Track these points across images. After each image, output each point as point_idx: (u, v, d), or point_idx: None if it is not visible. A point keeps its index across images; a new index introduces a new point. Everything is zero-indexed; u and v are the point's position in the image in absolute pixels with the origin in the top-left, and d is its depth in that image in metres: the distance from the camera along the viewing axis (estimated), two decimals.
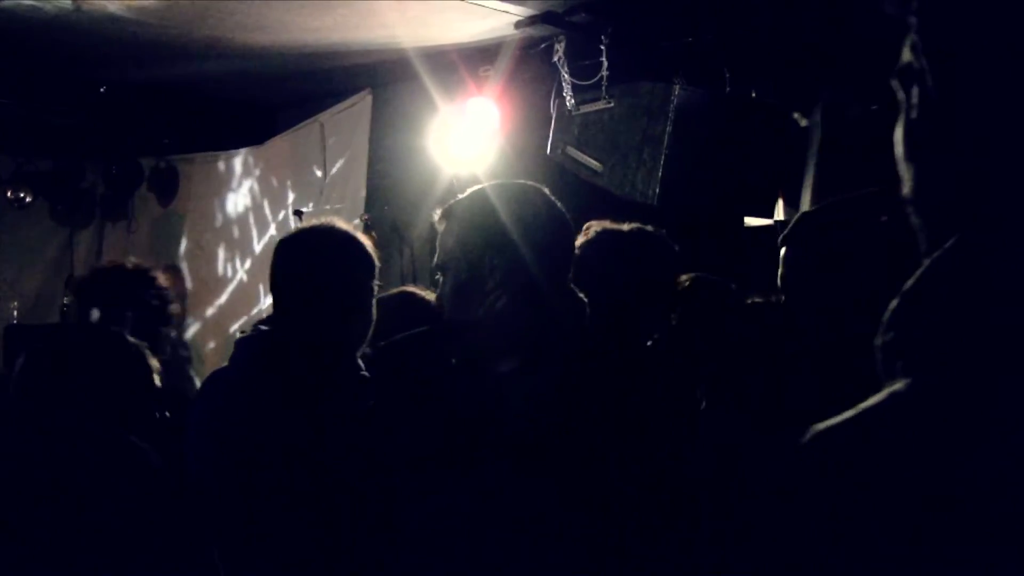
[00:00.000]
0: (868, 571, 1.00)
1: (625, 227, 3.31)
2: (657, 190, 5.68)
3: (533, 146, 6.61)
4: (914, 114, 1.14)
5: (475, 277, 2.43)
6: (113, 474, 1.68)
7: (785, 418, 2.23)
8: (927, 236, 1.14)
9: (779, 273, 2.56)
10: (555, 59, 6.32)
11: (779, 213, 6.69)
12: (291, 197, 8.52)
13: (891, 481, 0.99)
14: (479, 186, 2.57)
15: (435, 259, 2.56)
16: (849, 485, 1.04)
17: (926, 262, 1.11)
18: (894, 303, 1.13)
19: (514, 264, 2.40)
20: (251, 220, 8.72)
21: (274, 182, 8.69)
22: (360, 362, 2.87)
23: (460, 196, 2.57)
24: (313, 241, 2.95)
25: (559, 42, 6.31)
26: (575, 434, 2.20)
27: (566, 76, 6.25)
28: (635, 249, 3.22)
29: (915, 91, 1.13)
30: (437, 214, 2.58)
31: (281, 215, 8.48)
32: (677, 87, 5.76)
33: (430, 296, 3.60)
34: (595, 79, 6.11)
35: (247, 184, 8.88)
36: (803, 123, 6.29)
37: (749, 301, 3.37)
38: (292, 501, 2.64)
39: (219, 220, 9.00)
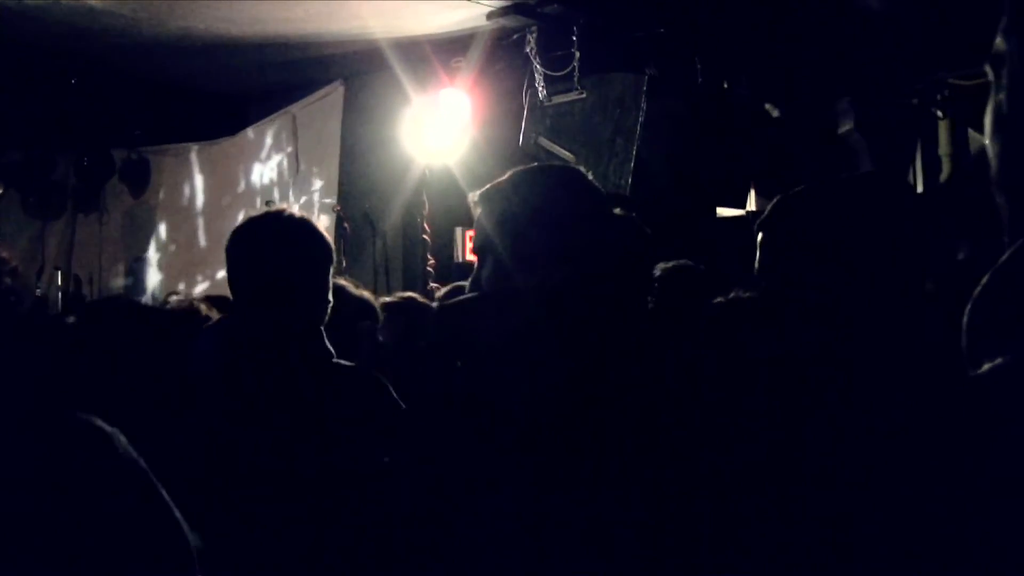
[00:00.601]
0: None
1: None
2: (629, 180, 5.70)
3: (505, 137, 6.62)
4: (1001, 95, 1.15)
5: (517, 257, 2.41)
6: (55, 460, 1.65)
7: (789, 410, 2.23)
8: (1010, 215, 1.15)
9: (756, 258, 2.54)
10: (527, 50, 6.33)
11: (751, 204, 6.73)
12: (261, 186, 8.53)
13: (1003, 451, 1.00)
14: (516, 169, 2.54)
15: (472, 243, 2.55)
16: (967, 454, 1.04)
17: (1017, 243, 1.11)
18: (984, 281, 1.13)
19: (558, 243, 2.39)
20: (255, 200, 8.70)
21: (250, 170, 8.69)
22: (329, 345, 2.85)
23: (497, 180, 2.53)
24: (268, 228, 2.92)
25: (531, 33, 6.32)
26: (598, 415, 2.22)
27: (538, 67, 6.26)
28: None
29: (1004, 72, 1.15)
30: (473, 199, 2.54)
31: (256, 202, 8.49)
32: (648, 78, 5.78)
33: (361, 291, 3.62)
34: (567, 70, 6.12)
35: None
36: (775, 114, 6.33)
37: (733, 295, 3.37)
38: (270, 492, 2.63)
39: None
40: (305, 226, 2.91)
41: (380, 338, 3.61)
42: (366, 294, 3.64)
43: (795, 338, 2.35)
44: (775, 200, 2.47)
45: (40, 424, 1.70)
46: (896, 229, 2.31)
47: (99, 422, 1.72)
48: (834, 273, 2.25)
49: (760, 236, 2.47)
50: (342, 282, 3.51)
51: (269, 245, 2.87)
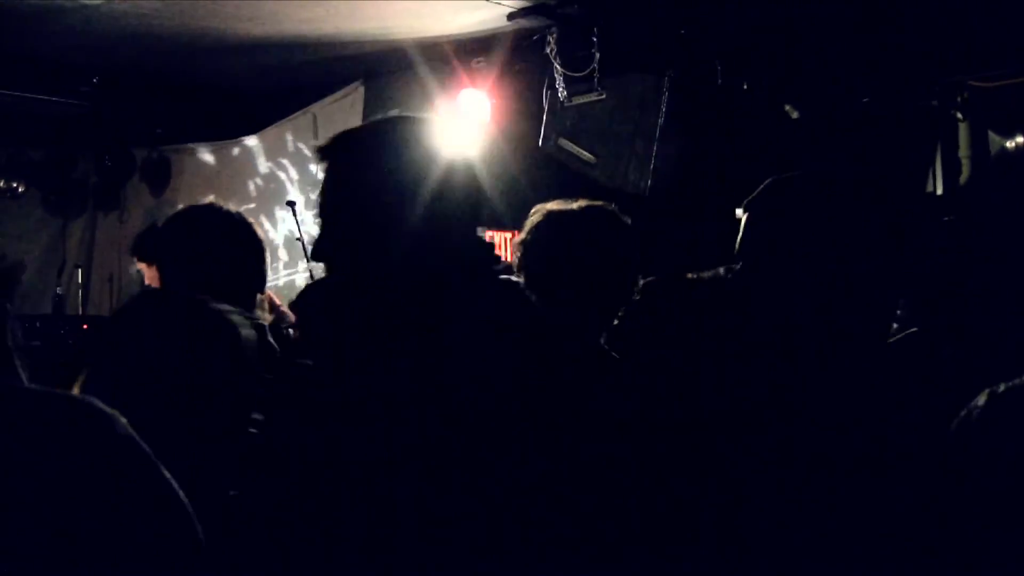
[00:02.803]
0: None
1: (574, 205, 2.91)
2: (649, 182, 5.71)
3: (525, 137, 6.63)
4: None
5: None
6: (55, 440, 1.64)
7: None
8: None
9: (738, 237, 2.50)
10: (547, 51, 6.33)
11: None
12: (285, 187, 8.56)
13: None
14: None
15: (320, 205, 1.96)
16: None
17: None
18: None
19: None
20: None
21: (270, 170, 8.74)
22: (272, 340, 2.76)
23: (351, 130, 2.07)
24: (196, 221, 2.90)
25: (551, 34, 6.33)
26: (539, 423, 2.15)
27: (558, 68, 6.27)
28: (586, 227, 2.96)
29: None
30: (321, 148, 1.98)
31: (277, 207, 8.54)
32: (668, 79, 5.78)
33: None
34: (587, 71, 6.13)
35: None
36: (794, 115, 6.32)
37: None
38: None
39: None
40: (234, 220, 2.91)
41: None
42: None
43: (766, 318, 2.31)
44: (765, 182, 2.44)
45: (40, 405, 1.71)
46: (876, 222, 2.29)
47: (99, 404, 1.72)
48: (811, 257, 2.24)
49: (745, 216, 2.43)
50: None
51: (196, 238, 2.86)
